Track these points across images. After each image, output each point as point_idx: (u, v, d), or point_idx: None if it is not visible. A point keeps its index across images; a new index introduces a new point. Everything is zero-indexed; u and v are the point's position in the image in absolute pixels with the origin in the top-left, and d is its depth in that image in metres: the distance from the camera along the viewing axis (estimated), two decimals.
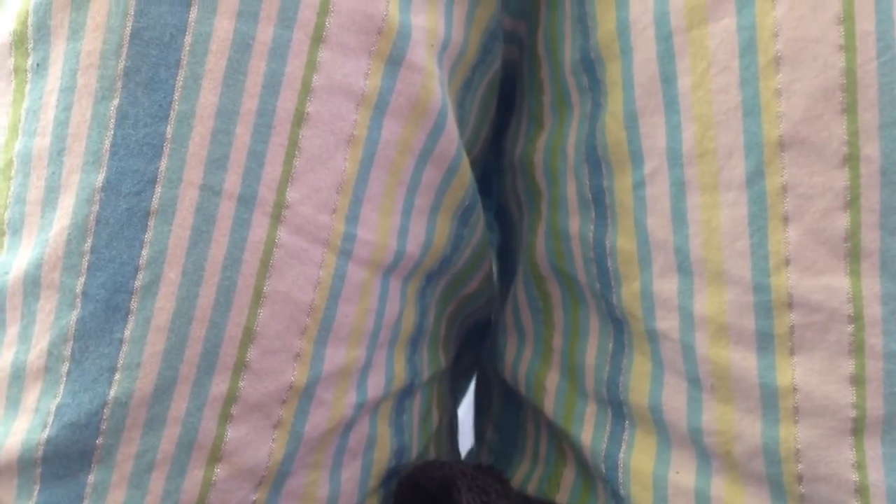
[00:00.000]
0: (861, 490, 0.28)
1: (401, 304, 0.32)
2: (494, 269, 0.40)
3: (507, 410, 0.39)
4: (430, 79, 0.30)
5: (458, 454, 0.41)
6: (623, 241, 0.32)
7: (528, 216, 0.36)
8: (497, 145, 0.39)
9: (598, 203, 0.32)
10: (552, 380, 0.35)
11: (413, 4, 0.30)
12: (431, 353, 0.36)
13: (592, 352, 0.34)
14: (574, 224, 0.33)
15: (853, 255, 0.29)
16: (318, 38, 0.28)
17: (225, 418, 0.28)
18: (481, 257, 0.37)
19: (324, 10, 0.28)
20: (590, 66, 0.32)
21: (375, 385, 0.32)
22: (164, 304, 0.27)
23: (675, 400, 0.31)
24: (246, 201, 0.28)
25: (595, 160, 0.32)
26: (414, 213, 0.32)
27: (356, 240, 0.30)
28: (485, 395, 0.41)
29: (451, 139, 0.32)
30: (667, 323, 0.31)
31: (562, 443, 0.35)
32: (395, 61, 0.29)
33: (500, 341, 0.38)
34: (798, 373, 0.29)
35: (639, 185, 0.31)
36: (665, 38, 0.30)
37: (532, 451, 0.37)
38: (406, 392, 0.34)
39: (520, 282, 0.37)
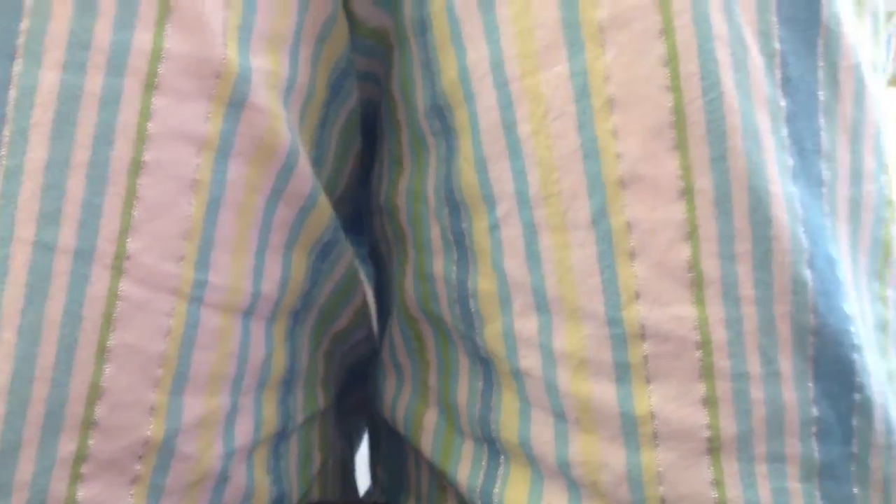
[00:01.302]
0: (716, 485, 0.30)
1: (267, 347, 0.32)
2: (373, 305, 0.40)
3: (392, 448, 0.39)
4: (276, 120, 0.30)
5: (355, 493, 0.41)
6: (483, 283, 0.32)
7: (397, 257, 0.37)
8: (368, 183, 0.39)
9: (459, 245, 0.33)
10: (430, 418, 0.35)
11: (253, 47, 0.30)
12: (307, 393, 0.35)
13: (464, 390, 0.34)
14: (438, 266, 0.34)
15: (696, 284, 0.30)
16: (151, 86, 0.28)
17: (75, 478, 0.28)
18: (348, 292, 0.37)
19: (156, 57, 0.28)
20: (440, 112, 0.33)
21: (243, 432, 0.32)
22: (2, 366, 0.27)
23: (542, 434, 0.31)
24: (83, 255, 0.27)
25: (454, 203, 0.33)
26: (268, 253, 0.32)
27: (207, 285, 0.29)
28: (374, 433, 0.41)
29: (304, 178, 0.32)
30: (529, 361, 0.31)
31: (441, 480, 0.35)
32: (236, 104, 0.29)
33: (380, 380, 0.38)
34: (654, 399, 0.30)
35: (494, 228, 0.32)
36: (502, 85, 0.31)
37: (416, 489, 0.37)
38: (280, 436, 0.34)
39: (394, 320, 0.37)
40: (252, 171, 0.30)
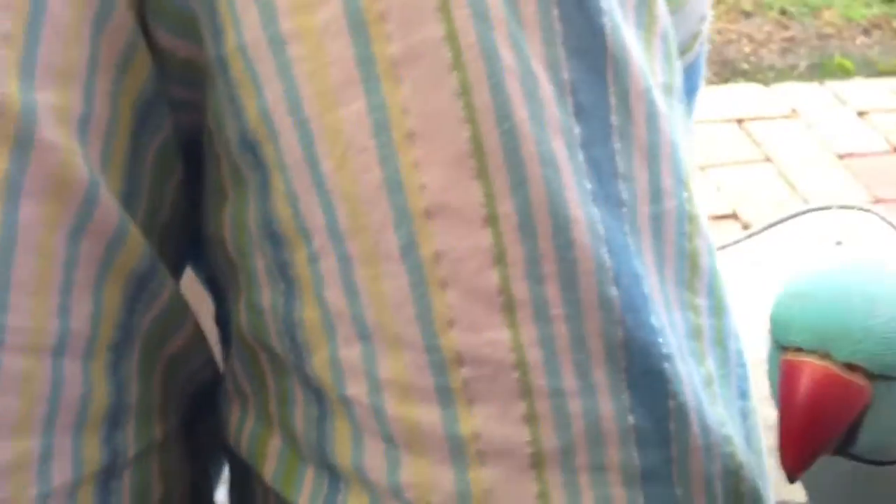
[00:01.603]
0: (541, 497, 0.31)
1: (84, 385, 0.32)
2: (215, 332, 0.40)
3: (240, 476, 0.39)
4: (70, 155, 0.30)
5: None
6: (308, 313, 0.33)
7: (230, 287, 0.37)
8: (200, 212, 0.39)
9: (284, 277, 0.33)
10: (273, 445, 0.36)
11: (38, 82, 0.30)
12: (140, 426, 0.35)
13: (301, 418, 0.35)
14: (265, 298, 0.34)
15: (508, 307, 0.31)
16: None
17: None
18: (173, 322, 0.37)
19: None
20: (250, 147, 0.33)
21: (61, 472, 0.31)
22: None
23: (375, 459, 0.33)
24: None
25: (274, 236, 0.33)
26: (74, 290, 0.31)
27: (7, 329, 0.29)
28: (229, 460, 0.41)
29: (109, 212, 0.32)
30: (356, 389, 0.32)
31: None
32: (22, 142, 0.29)
33: (224, 408, 0.38)
34: (478, 420, 0.31)
35: (312, 260, 0.32)
36: (302, 123, 0.31)
37: None
38: (109, 473, 0.34)
39: (234, 349, 0.37)
40: (48, 210, 0.30)
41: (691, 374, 0.34)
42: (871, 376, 0.30)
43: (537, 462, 0.31)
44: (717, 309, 0.36)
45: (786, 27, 2.06)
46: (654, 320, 0.32)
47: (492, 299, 0.31)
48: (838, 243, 0.62)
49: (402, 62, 0.30)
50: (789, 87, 1.89)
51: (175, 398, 0.38)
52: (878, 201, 1.62)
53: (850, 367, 0.30)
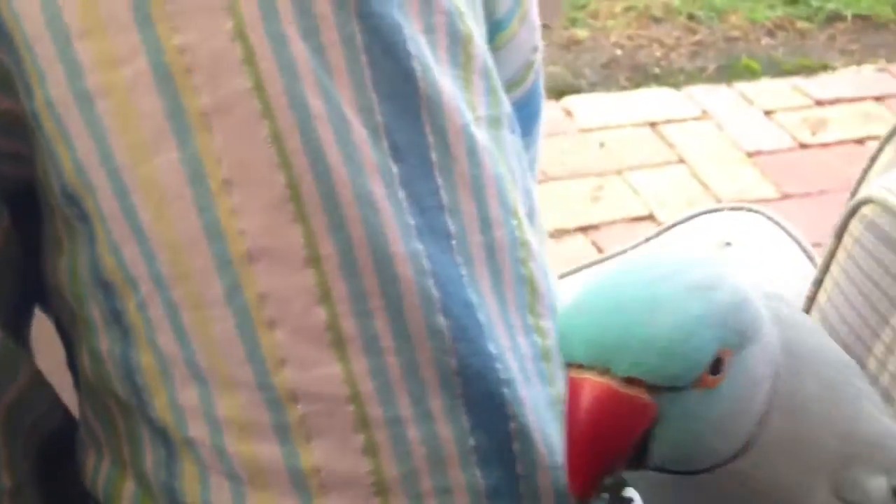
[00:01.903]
0: None
1: None
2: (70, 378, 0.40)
3: None
4: None
5: None
6: (144, 358, 0.34)
7: (73, 334, 0.37)
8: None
9: (119, 323, 0.34)
10: (128, 489, 0.36)
11: None
12: None
13: (150, 460, 0.35)
14: (104, 343, 0.35)
15: (336, 342, 0.32)
16: None
17: None
18: (8, 368, 0.37)
19: None
20: (72, 199, 0.34)
21: None
22: None
23: (221, 497, 0.34)
24: None
25: (105, 283, 0.34)
26: None
27: None
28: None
29: None
30: (197, 430, 0.33)
31: None
32: None
33: (81, 453, 0.39)
34: (318, 454, 0.32)
35: (141, 307, 0.33)
36: (116, 176, 0.32)
37: None
38: None
39: (84, 394, 0.38)
40: None
41: (536, 396, 0.35)
42: (655, 389, 0.28)
43: (381, 490, 0.32)
44: None
45: (694, 31, 2.12)
46: (491, 347, 0.33)
47: (320, 336, 0.32)
48: (728, 244, 0.65)
49: (213, 113, 0.31)
50: (699, 90, 1.94)
51: (21, 445, 0.38)
52: (785, 196, 1.68)
53: (632, 381, 0.28)
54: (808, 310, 0.56)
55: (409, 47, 0.33)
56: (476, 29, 0.36)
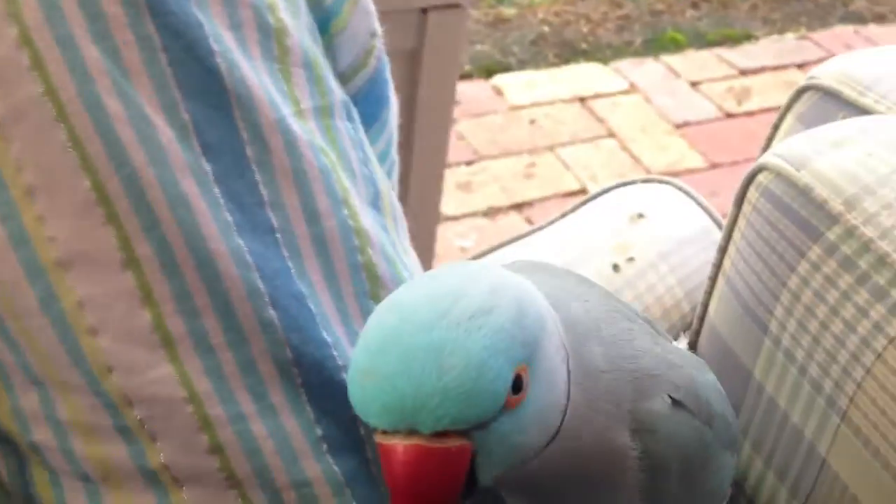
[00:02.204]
0: None
1: None
2: None
3: None
4: None
5: None
6: None
7: None
8: None
9: None
10: None
11: None
12: None
13: (4, 469, 0.35)
14: None
15: (166, 343, 0.32)
16: None
17: None
18: None
19: None
20: None
21: None
22: None
23: (76, 499, 0.33)
24: None
25: None
26: None
27: None
28: None
29: None
30: (42, 434, 0.33)
31: None
32: None
33: None
34: (165, 455, 0.32)
35: None
36: None
37: None
38: None
39: None
40: None
41: None
42: (465, 431, 0.27)
43: (235, 483, 0.32)
44: None
45: (620, 6, 2.14)
46: (325, 335, 0.34)
47: (148, 338, 0.31)
48: (640, 216, 0.66)
49: (6, 121, 0.30)
50: (626, 64, 1.96)
51: None
52: (714, 166, 1.71)
53: (441, 433, 0.27)
54: (714, 277, 0.58)
55: (212, 44, 0.32)
56: (292, 21, 0.36)
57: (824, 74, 0.60)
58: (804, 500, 0.52)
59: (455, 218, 1.58)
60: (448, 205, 1.58)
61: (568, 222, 0.69)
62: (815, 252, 0.47)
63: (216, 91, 0.33)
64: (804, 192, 0.48)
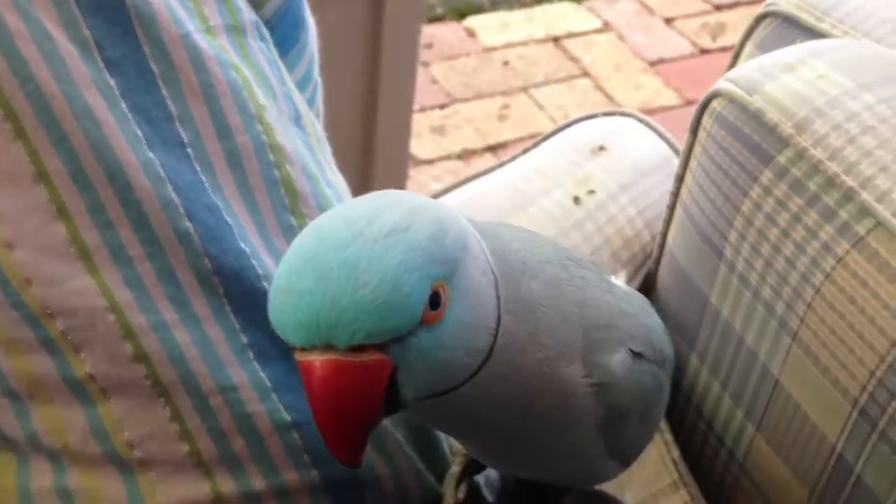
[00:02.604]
0: (175, 418, 0.33)
1: None
2: None
3: None
4: None
5: None
6: None
7: None
8: None
9: None
10: None
11: None
12: None
13: None
14: None
15: (83, 255, 0.32)
16: None
17: None
18: None
19: None
20: None
21: None
22: None
23: (4, 416, 0.34)
24: None
25: None
26: None
27: None
28: None
29: None
30: None
31: None
32: None
33: None
34: (89, 365, 0.33)
35: None
36: None
37: None
38: None
39: None
40: None
41: None
42: (382, 345, 0.27)
43: (163, 391, 0.33)
44: None
45: None
46: (243, 246, 0.34)
47: (65, 251, 0.32)
48: (601, 148, 0.66)
49: None
50: (599, 2, 1.95)
51: None
52: (688, 103, 1.71)
53: (357, 347, 0.27)
54: (673, 206, 0.58)
55: None
56: None
57: (783, 0, 0.60)
58: (759, 421, 0.53)
59: (430, 161, 1.57)
60: (422, 148, 1.58)
61: (530, 157, 0.69)
62: (766, 176, 0.48)
63: (116, 6, 0.33)
64: (756, 117, 0.48)
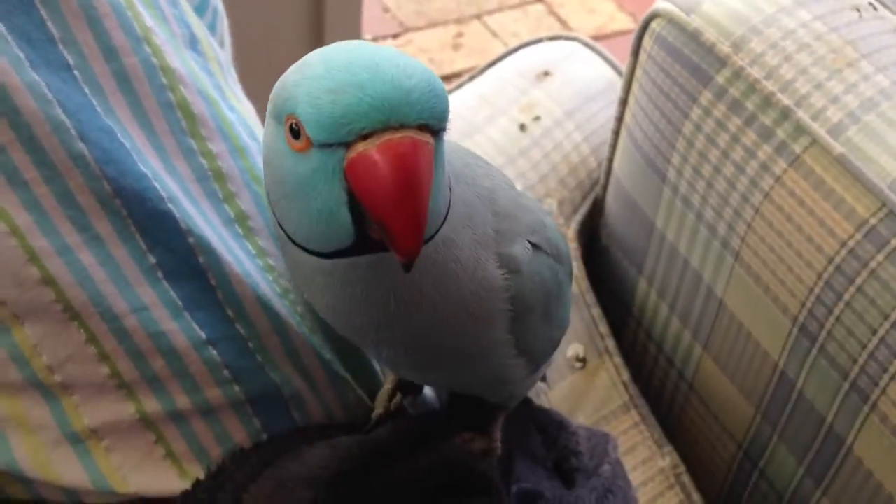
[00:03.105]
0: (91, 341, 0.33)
1: None
2: None
3: None
4: None
5: None
6: None
7: None
8: None
9: None
10: None
11: None
12: None
13: None
14: None
15: None
16: None
17: None
18: None
19: None
20: None
21: None
22: None
23: None
24: None
25: None
26: None
27: None
28: None
29: None
30: None
31: None
32: None
33: None
34: None
35: None
36: None
37: None
38: None
39: None
40: None
41: (208, 214, 0.36)
42: (433, 132, 0.28)
43: (74, 315, 0.33)
44: (238, 150, 0.38)
45: None
46: (142, 167, 0.34)
47: None
48: (546, 73, 0.66)
49: None
50: None
51: None
52: None
53: (422, 128, 0.28)
54: (617, 130, 0.58)
55: None
56: None
57: None
58: (705, 341, 0.54)
59: None
60: None
61: (476, 84, 0.68)
62: (705, 97, 0.48)
63: None
64: (694, 37, 0.48)
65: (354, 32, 0.98)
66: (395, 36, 1.66)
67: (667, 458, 0.56)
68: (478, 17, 1.71)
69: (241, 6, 0.84)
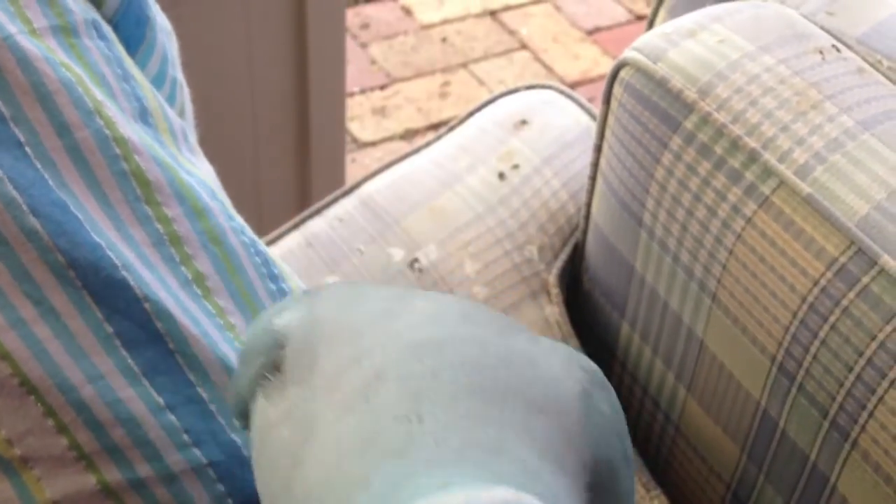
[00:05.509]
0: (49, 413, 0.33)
1: None
2: None
3: None
4: None
5: None
6: None
7: None
8: None
9: None
10: None
11: None
12: None
13: None
14: None
15: None
16: None
17: None
18: None
19: None
20: None
21: None
22: None
23: None
24: None
25: None
26: None
27: None
28: None
29: None
30: None
31: None
32: None
33: None
34: None
35: None
36: None
37: None
38: None
39: None
40: None
41: (165, 278, 0.37)
42: None
43: (31, 389, 0.33)
44: (197, 212, 0.39)
45: None
46: (96, 237, 0.35)
47: None
48: (523, 122, 0.67)
49: None
50: None
51: None
52: None
53: None
54: (593, 176, 0.59)
55: None
56: None
57: None
58: (689, 383, 0.54)
59: (373, 143, 1.56)
60: (364, 131, 1.57)
61: (455, 136, 0.69)
62: (675, 142, 0.48)
63: None
64: (661, 84, 0.49)
65: (339, 87, 1.00)
66: (382, 87, 1.68)
67: (654, 502, 0.56)
68: (464, 65, 1.73)
69: (224, 56, 0.85)
